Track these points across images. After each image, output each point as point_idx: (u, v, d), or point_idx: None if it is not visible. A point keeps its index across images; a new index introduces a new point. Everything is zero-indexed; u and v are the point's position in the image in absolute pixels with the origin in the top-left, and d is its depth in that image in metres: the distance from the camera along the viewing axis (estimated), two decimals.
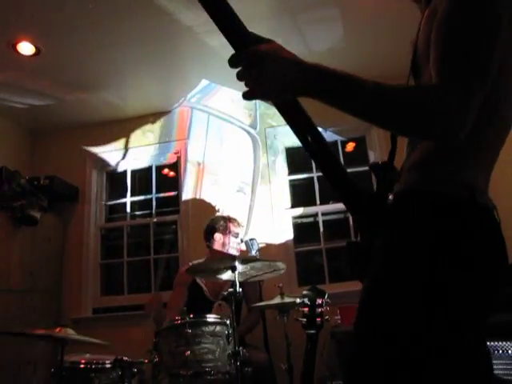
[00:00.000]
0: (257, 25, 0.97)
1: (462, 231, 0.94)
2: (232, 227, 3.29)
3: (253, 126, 4.31)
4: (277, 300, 2.83)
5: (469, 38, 0.88)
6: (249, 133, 4.31)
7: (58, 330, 2.35)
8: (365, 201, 1.13)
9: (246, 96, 0.95)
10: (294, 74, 0.92)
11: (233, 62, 0.92)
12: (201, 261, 3.16)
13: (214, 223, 3.33)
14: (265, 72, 0.90)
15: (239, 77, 0.93)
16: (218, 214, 3.93)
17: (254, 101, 3.95)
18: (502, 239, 0.98)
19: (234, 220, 3.36)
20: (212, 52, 3.41)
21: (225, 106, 4.34)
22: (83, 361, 2.46)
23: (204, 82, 4.05)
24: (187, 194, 4.25)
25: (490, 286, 0.96)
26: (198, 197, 4.22)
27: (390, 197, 1.10)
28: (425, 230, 0.96)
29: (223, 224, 3.29)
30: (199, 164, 4.32)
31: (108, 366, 2.40)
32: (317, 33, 3.46)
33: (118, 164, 4.60)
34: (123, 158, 4.55)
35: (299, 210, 4.14)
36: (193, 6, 0.84)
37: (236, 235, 3.29)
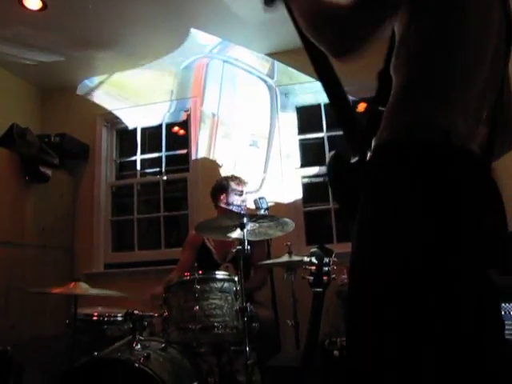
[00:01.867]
0: None
1: (438, 178, 0.94)
2: (234, 186, 3.30)
3: (270, 75, 4.20)
4: (285, 258, 2.88)
5: None
6: (266, 82, 4.23)
7: (71, 284, 2.41)
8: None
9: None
10: None
11: None
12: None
13: (217, 183, 3.36)
14: None
15: None
16: (222, 172, 3.95)
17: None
18: (487, 182, 0.99)
19: (236, 178, 3.38)
20: (225, 8, 3.32)
21: (241, 54, 4.23)
22: (96, 313, 2.55)
23: (214, 39, 3.96)
24: (198, 151, 4.23)
25: (474, 227, 0.95)
26: (209, 152, 4.20)
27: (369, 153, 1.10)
28: (399, 185, 0.97)
29: (226, 183, 3.31)
30: (214, 116, 4.28)
31: (120, 318, 2.48)
32: None
33: (128, 122, 4.57)
34: (134, 115, 4.52)
35: (309, 170, 4.13)
36: None
37: (240, 193, 3.30)
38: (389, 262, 0.93)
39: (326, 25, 0.96)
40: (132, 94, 4.50)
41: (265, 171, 4.02)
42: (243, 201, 3.31)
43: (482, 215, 0.97)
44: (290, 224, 2.45)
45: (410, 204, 0.93)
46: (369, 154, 1.08)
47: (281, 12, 1.16)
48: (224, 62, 4.30)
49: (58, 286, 2.43)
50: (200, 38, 3.94)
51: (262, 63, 4.20)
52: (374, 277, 0.95)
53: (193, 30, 3.78)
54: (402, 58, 1.02)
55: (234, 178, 3.38)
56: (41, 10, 3.39)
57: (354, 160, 1.13)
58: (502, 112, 1.09)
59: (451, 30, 0.98)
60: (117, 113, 4.53)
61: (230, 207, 3.26)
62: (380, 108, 1.17)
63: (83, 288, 2.41)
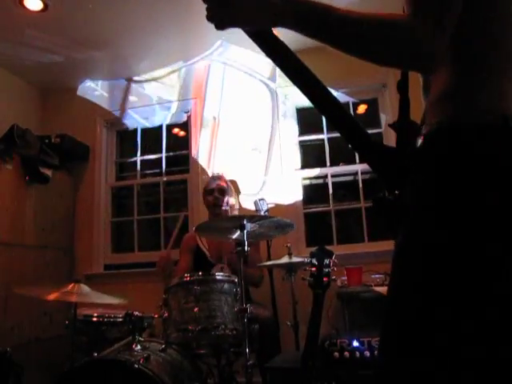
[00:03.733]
0: None
1: (503, 166, 0.88)
2: (213, 185, 3.30)
3: (272, 79, 4.20)
4: (285, 259, 2.88)
5: None
6: (267, 86, 4.23)
7: (71, 285, 2.41)
8: (387, 155, 1.10)
9: (217, 27, 0.97)
10: (264, 5, 0.94)
11: None
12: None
13: (205, 186, 3.38)
14: (235, 3, 0.94)
15: (208, 7, 0.96)
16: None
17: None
18: None
19: (212, 176, 3.39)
20: None
21: (243, 57, 4.22)
22: (95, 314, 2.54)
23: (220, 42, 3.98)
24: (198, 152, 4.24)
25: None
26: (211, 154, 4.21)
27: (419, 141, 1.02)
28: (459, 172, 0.90)
29: (207, 184, 3.34)
30: (214, 119, 4.28)
31: (119, 319, 2.48)
32: None
33: (128, 122, 4.58)
34: (134, 116, 4.53)
35: (309, 172, 4.13)
36: None
37: (210, 192, 3.28)
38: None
39: (407, 49, 0.89)
40: (133, 95, 4.51)
41: (266, 174, 4.02)
42: (227, 202, 3.27)
43: None
44: (290, 225, 2.45)
45: (484, 194, 0.87)
46: (419, 143, 1.02)
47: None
48: (225, 64, 4.31)
49: (58, 287, 2.42)
50: (202, 40, 3.95)
51: (263, 66, 4.20)
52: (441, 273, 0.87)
53: (195, 32, 3.79)
54: (453, 53, 0.97)
55: (213, 176, 3.44)
56: (42, 10, 3.40)
57: (392, 196, 1.09)
58: None
59: (497, 18, 0.98)
60: (117, 114, 4.53)
61: (210, 208, 3.27)
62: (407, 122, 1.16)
63: (82, 291, 2.40)
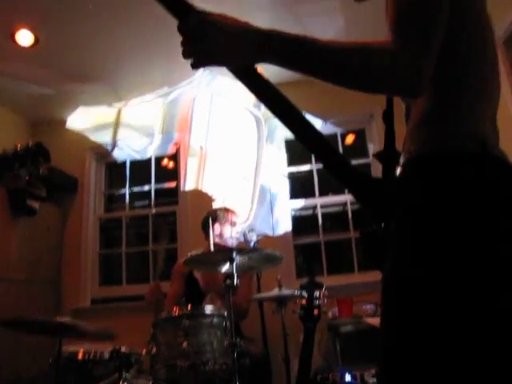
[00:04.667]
0: (257, 16, 0.97)
1: (481, 192, 0.88)
2: (229, 217, 3.29)
3: (257, 105, 4.22)
4: (275, 292, 2.84)
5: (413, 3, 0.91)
6: (252, 113, 4.26)
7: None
8: (372, 186, 1.09)
9: (193, 65, 0.95)
10: (241, 39, 0.92)
11: (181, 30, 0.93)
12: (199, 252, 3.16)
13: (211, 214, 3.32)
14: (211, 41, 0.91)
15: (183, 43, 0.94)
16: (214, 204, 3.94)
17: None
18: None
19: (230, 209, 3.36)
20: None
21: (227, 86, 4.25)
22: (81, 351, 2.47)
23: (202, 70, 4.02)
24: (187, 184, 4.24)
25: None
26: (198, 184, 4.20)
27: (399, 170, 1.05)
28: (438, 200, 0.90)
29: (220, 214, 3.29)
30: (201, 149, 4.30)
31: (106, 356, 2.41)
32: (318, 24, 3.43)
33: (117, 154, 4.58)
34: (123, 148, 4.53)
35: (298, 202, 4.14)
36: None
37: (233, 224, 3.29)
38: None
39: (394, 74, 0.89)
40: (121, 127, 4.52)
41: (252, 202, 4.01)
42: (236, 232, 3.29)
43: None
44: (279, 257, 2.43)
45: (462, 223, 0.86)
46: (398, 170, 1.04)
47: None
48: (211, 94, 4.35)
49: None
50: (186, 67, 3.98)
51: (249, 94, 4.23)
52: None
53: (180, 59, 3.82)
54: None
55: (226, 209, 3.38)
56: (33, 45, 3.43)
57: (378, 227, 1.09)
58: None
59: (476, 46, 1.00)
60: (106, 146, 4.53)
61: (224, 239, 3.24)
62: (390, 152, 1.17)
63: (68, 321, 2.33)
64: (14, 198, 3.69)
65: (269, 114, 3.77)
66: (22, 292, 3.67)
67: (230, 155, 4.20)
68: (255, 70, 1.05)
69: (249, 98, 4.25)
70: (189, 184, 4.22)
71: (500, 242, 0.85)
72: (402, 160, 1.04)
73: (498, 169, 0.92)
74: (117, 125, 4.53)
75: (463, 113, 0.96)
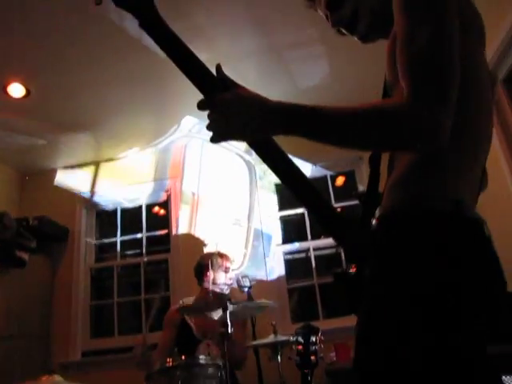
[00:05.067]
0: (245, 63, 1.00)
1: (450, 250, 0.90)
2: (222, 263, 3.24)
3: (248, 151, 4.26)
4: (270, 338, 2.78)
5: (428, 53, 0.89)
6: (244, 159, 4.30)
7: (44, 377, 2.26)
8: (349, 229, 1.11)
9: (213, 139, 0.99)
10: (259, 119, 0.95)
11: (200, 108, 0.98)
12: (191, 298, 3.11)
13: (203, 260, 3.28)
14: (230, 119, 0.95)
15: (208, 124, 0.98)
16: (207, 250, 3.90)
17: None
18: (494, 254, 0.94)
19: (224, 255, 3.32)
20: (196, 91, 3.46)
21: None
22: None
23: (191, 119, 4.08)
24: (178, 231, 4.22)
25: (486, 304, 0.92)
26: (191, 232, 4.18)
27: (374, 222, 1.08)
28: (410, 255, 0.92)
29: (213, 260, 3.25)
30: (193, 195, 4.30)
31: None
32: (303, 70, 3.53)
33: (108, 203, 4.57)
34: (114, 197, 4.53)
35: (291, 246, 4.12)
36: None
37: (226, 270, 3.24)
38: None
39: (415, 134, 0.88)
40: (112, 176, 4.53)
41: (246, 247, 3.99)
42: (230, 278, 3.24)
43: (490, 288, 0.94)
44: (273, 305, 2.40)
45: (425, 278, 0.90)
46: (373, 223, 1.06)
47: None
48: (203, 140, 4.40)
49: (29, 379, 2.27)
50: (176, 116, 4.06)
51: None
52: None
53: (169, 108, 3.90)
54: None
55: (220, 254, 3.33)
56: (24, 97, 3.48)
57: (351, 270, 1.10)
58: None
59: (467, 112, 0.99)
60: (96, 195, 4.53)
61: (217, 285, 3.19)
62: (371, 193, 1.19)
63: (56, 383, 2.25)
64: (2, 249, 3.64)
65: (258, 159, 3.81)
66: (8, 348, 3.55)
67: (223, 200, 4.21)
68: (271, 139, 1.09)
69: (239, 143, 4.31)
70: (181, 231, 4.20)
71: (455, 301, 0.88)
72: (378, 212, 1.08)
73: (467, 230, 0.94)
74: (108, 173, 4.55)
75: (444, 175, 0.98)
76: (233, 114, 0.95)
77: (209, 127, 0.98)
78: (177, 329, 3.12)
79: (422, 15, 0.91)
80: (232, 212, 4.15)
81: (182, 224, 4.22)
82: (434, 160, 0.98)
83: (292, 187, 1.14)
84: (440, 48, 0.89)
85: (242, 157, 4.30)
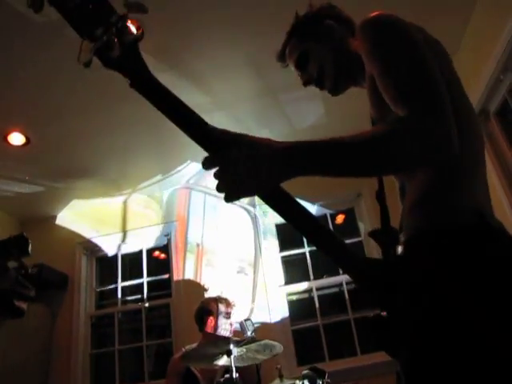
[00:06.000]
0: (241, 105, 1.01)
1: (484, 264, 0.88)
2: (222, 308, 3.19)
3: (252, 204, 4.30)
4: (276, 383, 2.70)
5: (412, 75, 0.92)
6: (248, 211, 4.32)
7: None
8: (374, 269, 1.04)
9: (226, 199, 0.89)
10: (266, 170, 0.86)
11: (206, 167, 0.88)
12: (194, 346, 3.03)
13: (204, 306, 3.23)
14: (238, 176, 0.85)
15: (218, 185, 0.88)
16: (207, 295, 3.85)
17: None
18: None
19: (224, 300, 3.27)
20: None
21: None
22: None
23: (192, 165, 4.12)
24: (180, 276, 4.17)
25: None
26: (197, 279, 4.14)
27: (400, 249, 1.03)
28: (449, 275, 0.90)
29: (213, 305, 3.20)
30: (198, 245, 4.28)
31: None
32: (299, 111, 3.59)
33: (108, 249, 4.54)
34: (114, 243, 4.51)
35: (293, 287, 4.07)
36: (174, 90, 0.87)
37: (227, 316, 3.18)
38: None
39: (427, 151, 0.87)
40: (111, 221, 4.53)
41: (253, 301, 3.93)
42: (231, 324, 3.18)
43: None
44: (278, 347, 2.35)
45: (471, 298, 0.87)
46: (400, 248, 1.02)
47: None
48: (205, 193, 4.43)
49: None
50: (177, 159, 4.09)
51: None
52: None
53: (171, 151, 3.94)
54: None
55: (221, 299, 3.28)
56: (24, 145, 3.52)
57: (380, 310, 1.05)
58: None
59: (468, 126, 1.03)
60: (96, 241, 4.51)
61: (218, 331, 3.12)
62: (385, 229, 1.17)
63: None
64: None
65: (258, 200, 3.80)
66: None
67: (226, 249, 4.20)
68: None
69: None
70: (183, 275, 4.16)
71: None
72: (402, 238, 1.04)
73: (498, 240, 0.93)
74: (107, 218, 4.55)
75: (460, 188, 0.98)
76: (242, 171, 0.85)
77: (219, 188, 0.87)
78: (182, 378, 3.04)
79: (394, 52, 0.96)
80: (238, 261, 4.12)
81: (183, 268, 4.19)
82: (450, 174, 0.98)
83: (304, 230, 1.04)
84: (421, 69, 0.92)
85: (245, 209, 4.31)
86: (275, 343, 2.33)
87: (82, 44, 0.76)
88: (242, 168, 0.85)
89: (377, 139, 0.88)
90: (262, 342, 2.30)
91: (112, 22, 0.76)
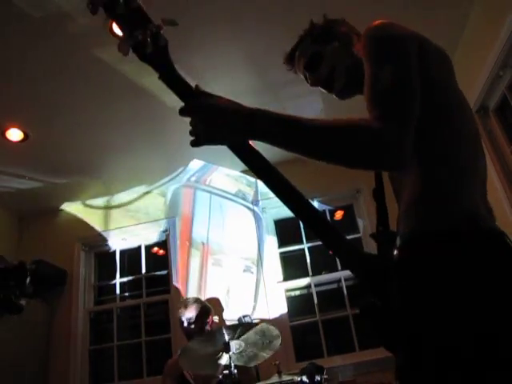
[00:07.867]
0: (241, 101, 1.02)
1: (475, 266, 0.91)
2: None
3: (255, 203, 4.30)
4: (274, 379, 2.71)
5: (389, 88, 0.99)
6: (251, 210, 4.31)
7: None
8: (370, 265, 1.10)
9: (192, 143, 1.06)
10: (233, 122, 1.01)
11: (181, 113, 1.03)
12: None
13: (205, 305, 3.24)
14: (206, 121, 1.02)
15: (190, 130, 1.05)
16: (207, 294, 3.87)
17: (253, 178, 4.20)
18: None
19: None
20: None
21: (226, 183, 4.38)
22: None
23: (194, 162, 4.12)
24: (179, 271, 4.17)
25: None
26: (203, 278, 4.14)
27: (395, 252, 1.06)
28: (441, 277, 0.93)
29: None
30: (203, 244, 4.29)
31: None
32: (297, 107, 3.59)
33: (106, 245, 4.54)
34: (113, 239, 4.51)
35: (292, 283, 4.07)
36: None
37: (183, 321, 3.14)
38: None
39: (373, 149, 0.94)
40: (111, 217, 4.53)
41: (255, 300, 3.94)
42: (189, 322, 3.15)
43: None
44: (276, 334, 2.34)
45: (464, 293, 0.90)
46: (395, 254, 1.06)
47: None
48: (211, 193, 4.43)
49: None
50: (177, 158, 4.09)
51: (245, 187, 4.34)
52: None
53: (171, 149, 3.94)
54: (418, 160, 1.03)
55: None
56: (22, 141, 3.51)
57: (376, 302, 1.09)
58: None
59: (460, 126, 1.06)
60: (95, 237, 4.50)
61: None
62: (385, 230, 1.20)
63: None
64: None
65: (258, 195, 3.79)
66: None
67: (231, 250, 4.20)
68: (251, 147, 1.11)
69: (246, 190, 4.34)
70: (181, 271, 4.16)
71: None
72: (397, 242, 1.07)
73: (490, 244, 0.95)
74: (106, 214, 4.54)
75: (452, 190, 1.00)
76: (210, 118, 1.01)
77: (191, 133, 1.05)
78: (176, 381, 3.03)
79: (383, 62, 1.02)
80: (242, 260, 4.13)
81: (181, 264, 4.19)
82: (442, 177, 1.01)
83: (305, 218, 1.11)
84: (396, 81, 0.99)
85: (249, 208, 4.31)
86: (271, 327, 2.33)
87: (123, 38, 0.95)
88: (211, 116, 1.01)
89: (337, 127, 0.97)
90: (259, 328, 2.29)
91: (148, 27, 0.95)
